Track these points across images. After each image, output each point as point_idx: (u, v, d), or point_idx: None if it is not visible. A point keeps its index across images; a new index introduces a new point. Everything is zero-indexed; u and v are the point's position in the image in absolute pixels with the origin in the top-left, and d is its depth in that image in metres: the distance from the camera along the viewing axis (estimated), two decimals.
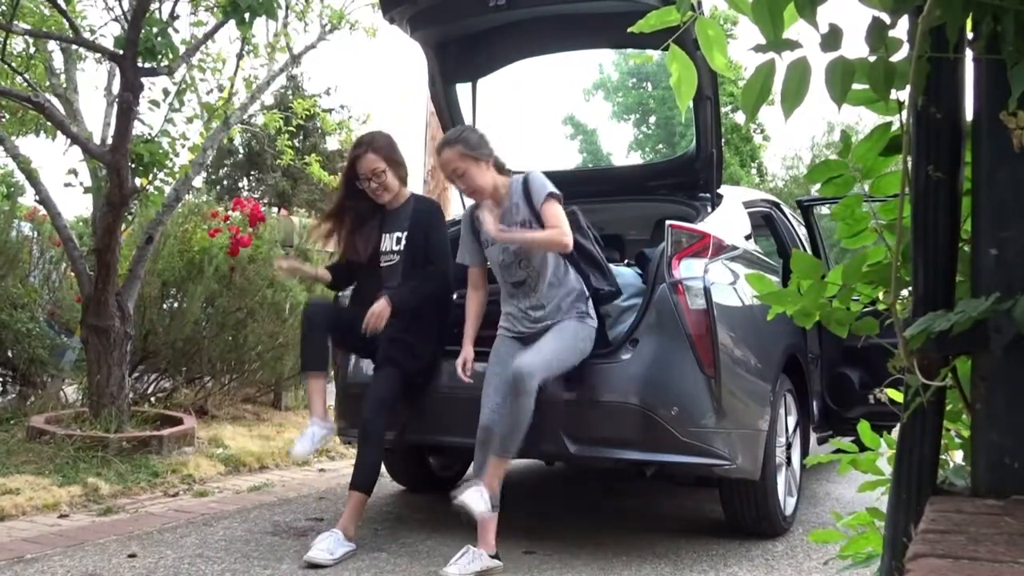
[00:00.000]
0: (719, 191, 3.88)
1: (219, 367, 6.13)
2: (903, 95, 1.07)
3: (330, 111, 14.73)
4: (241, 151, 18.63)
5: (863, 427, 1.55)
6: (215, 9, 5.10)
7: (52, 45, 5.60)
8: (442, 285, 3.41)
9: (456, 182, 3.20)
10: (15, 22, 4.58)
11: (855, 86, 1.07)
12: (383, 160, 3.37)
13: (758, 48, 1.08)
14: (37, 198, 5.00)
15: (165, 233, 5.59)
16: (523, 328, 3.22)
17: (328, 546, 2.99)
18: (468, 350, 3.24)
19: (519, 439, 2.94)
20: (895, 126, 1.17)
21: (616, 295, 3.33)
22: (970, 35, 1.01)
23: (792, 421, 3.81)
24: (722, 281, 3.30)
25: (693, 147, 3.89)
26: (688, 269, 3.21)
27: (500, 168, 3.25)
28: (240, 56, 5.55)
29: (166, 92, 4.83)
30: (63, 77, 5.65)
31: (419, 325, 3.34)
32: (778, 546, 3.41)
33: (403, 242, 3.43)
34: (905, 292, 1.15)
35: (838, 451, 1.57)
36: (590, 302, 3.20)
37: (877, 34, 1.05)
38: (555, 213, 3.11)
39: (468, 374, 3.19)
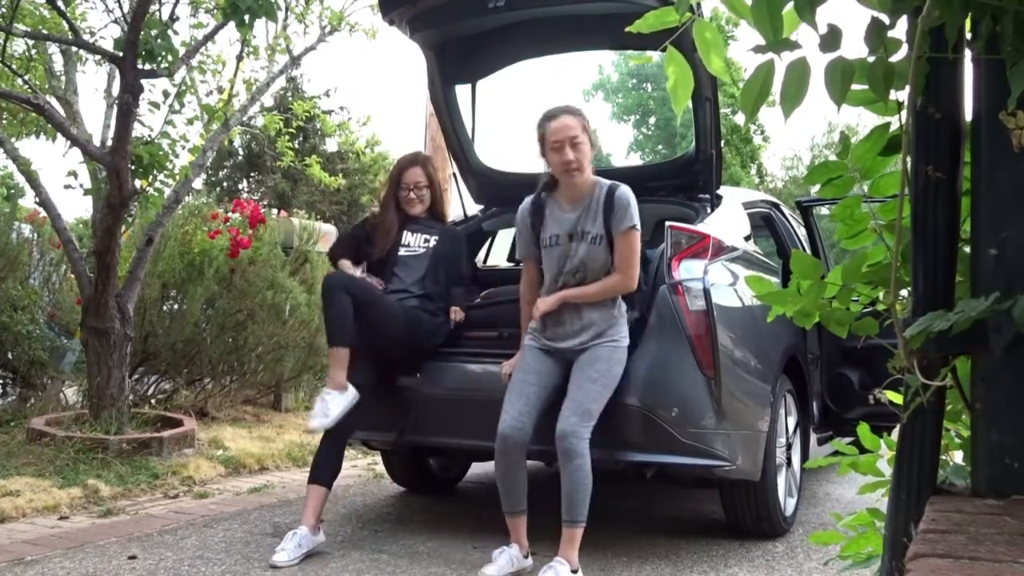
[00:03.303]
0: (719, 192, 3.88)
1: (219, 369, 6.12)
2: (902, 95, 1.07)
3: (330, 113, 14.73)
4: (241, 153, 18.62)
5: (863, 429, 1.55)
6: (215, 11, 5.10)
7: (52, 47, 5.60)
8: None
9: (568, 150, 2.96)
10: (15, 24, 4.58)
11: (854, 86, 1.07)
12: (427, 178, 3.74)
13: (757, 49, 1.08)
14: (37, 200, 5.00)
15: (165, 235, 5.58)
16: (553, 340, 3.07)
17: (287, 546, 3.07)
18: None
19: (587, 501, 2.87)
20: (894, 126, 1.17)
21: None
22: (969, 35, 1.01)
23: (792, 422, 3.81)
24: (722, 282, 3.30)
25: (693, 148, 3.89)
26: (688, 270, 3.21)
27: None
28: (240, 58, 5.55)
29: (166, 94, 4.83)
30: (63, 79, 5.66)
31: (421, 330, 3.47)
32: (778, 547, 3.41)
33: (431, 243, 3.65)
34: (905, 292, 1.15)
35: (837, 453, 1.57)
36: (626, 323, 3.09)
37: (876, 34, 1.05)
38: (630, 250, 3.00)
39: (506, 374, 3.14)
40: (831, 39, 1.05)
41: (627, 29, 1.28)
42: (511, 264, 4.20)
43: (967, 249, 1.04)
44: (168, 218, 5.19)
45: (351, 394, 3.23)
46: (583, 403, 2.90)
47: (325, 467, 3.29)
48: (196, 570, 2.91)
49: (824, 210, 5.31)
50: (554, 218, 3.11)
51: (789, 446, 3.74)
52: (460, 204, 4.50)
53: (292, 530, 3.13)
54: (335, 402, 3.20)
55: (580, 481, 2.84)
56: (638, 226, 3.03)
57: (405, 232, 3.68)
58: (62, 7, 4.61)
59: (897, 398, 1.13)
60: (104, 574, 2.84)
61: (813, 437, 4.28)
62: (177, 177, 5.06)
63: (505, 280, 3.75)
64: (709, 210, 3.75)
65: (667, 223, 3.30)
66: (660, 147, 27.45)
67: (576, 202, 3.08)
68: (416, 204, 3.70)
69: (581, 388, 2.93)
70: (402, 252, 3.63)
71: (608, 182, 3.10)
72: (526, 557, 2.96)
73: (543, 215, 3.13)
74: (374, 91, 46.78)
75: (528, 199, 3.22)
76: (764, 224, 4.65)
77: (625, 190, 3.05)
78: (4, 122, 5.66)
